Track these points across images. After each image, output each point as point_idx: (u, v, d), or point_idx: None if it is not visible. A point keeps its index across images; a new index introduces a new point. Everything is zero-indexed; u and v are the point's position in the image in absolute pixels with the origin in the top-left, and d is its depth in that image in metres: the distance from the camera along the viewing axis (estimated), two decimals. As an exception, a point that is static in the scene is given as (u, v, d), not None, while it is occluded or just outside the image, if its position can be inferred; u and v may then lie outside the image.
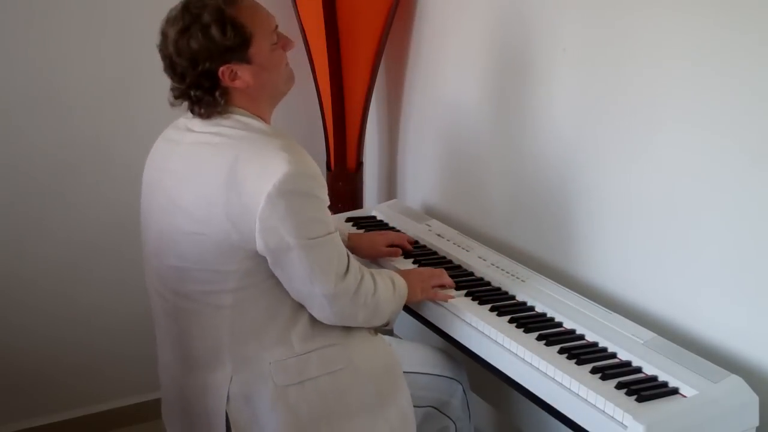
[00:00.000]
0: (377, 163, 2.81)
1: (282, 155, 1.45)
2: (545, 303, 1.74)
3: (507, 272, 1.90)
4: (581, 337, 1.63)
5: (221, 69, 1.51)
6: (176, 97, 1.56)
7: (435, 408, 1.84)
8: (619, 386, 1.42)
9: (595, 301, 1.77)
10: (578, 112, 1.90)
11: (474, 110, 2.27)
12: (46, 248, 2.42)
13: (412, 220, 2.25)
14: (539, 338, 1.60)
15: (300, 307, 1.57)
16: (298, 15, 2.46)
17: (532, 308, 1.75)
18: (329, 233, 1.52)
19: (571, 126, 1.92)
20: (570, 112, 1.92)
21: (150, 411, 2.62)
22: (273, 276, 1.53)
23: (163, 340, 1.69)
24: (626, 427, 1.33)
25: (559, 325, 1.68)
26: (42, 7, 2.26)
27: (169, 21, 1.52)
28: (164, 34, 1.53)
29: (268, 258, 1.49)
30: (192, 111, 1.57)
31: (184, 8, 1.51)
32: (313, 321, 1.59)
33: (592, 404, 1.40)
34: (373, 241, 2.05)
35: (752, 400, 1.43)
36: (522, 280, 1.85)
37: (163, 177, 1.60)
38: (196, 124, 1.57)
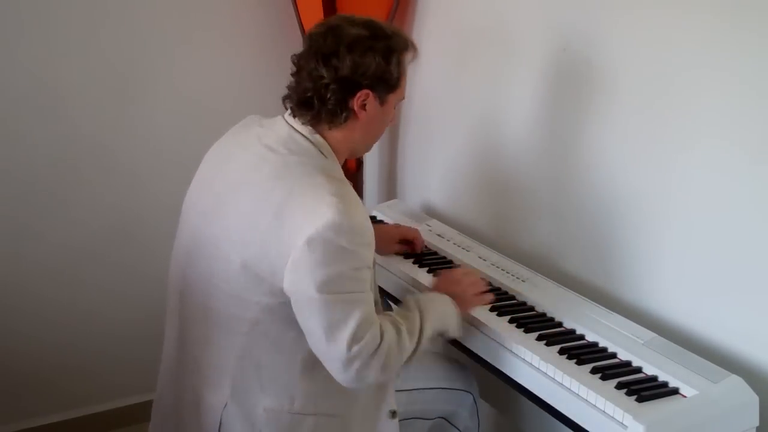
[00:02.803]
0: (377, 163, 2.81)
1: (333, 201, 1.40)
2: (545, 303, 1.74)
3: (507, 272, 1.90)
4: (581, 337, 1.63)
5: (364, 91, 1.51)
6: (300, 93, 1.53)
7: (444, 419, 1.83)
8: (619, 386, 1.43)
9: (595, 301, 1.77)
10: (576, 112, 1.90)
11: (474, 110, 2.27)
12: (46, 249, 2.42)
13: (412, 220, 2.25)
14: (539, 338, 1.60)
15: (315, 365, 1.49)
16: (298, 15, 2.46)
17: (532, 308, 1.75)
18: (357, 292, 1.43)
19: (570, 124, 1.92)
20: (568, 110, 1.92)
21: (150, 411, 2.62)
22: (294, 327, 1.46)
23: (170, 338, 1.65)
24: (626, 427, 1.33)
25: (559, 325, 1.68)
26: (42, 8, 2.26)
27: (352, 22, 1.52)
28: (338, 31, 1.50)
29: (291, 299, 1.44)
30: (302, 113, 1.53)
31: (376, 24, 1.53)
32: (326, 384, 1.50)
33: (592, 404, 1.40)
34: (389, 235, 2.00)
35: (752, 400, 1.43)
36: (522, 280, 1.85)
37: (217, 179, 1.57)
38: (270, 136, 1.54)
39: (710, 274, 1.61)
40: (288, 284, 1.42)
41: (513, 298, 1.80)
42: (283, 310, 1.46)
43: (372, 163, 2.82)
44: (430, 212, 2.48)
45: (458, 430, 1.85)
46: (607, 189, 1.83)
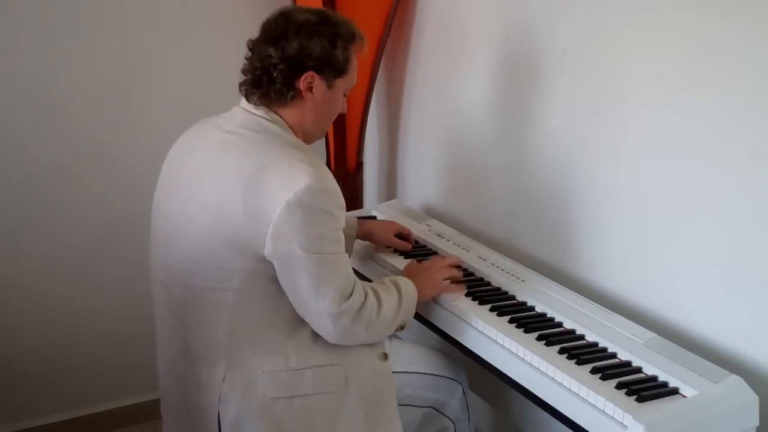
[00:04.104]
0: (377, 163, 2.81)
1: (306, 168, 1.49)
2: (545, 303, 1.74)
3: (507, 272, 1.90)
4: (581, 337, 1.63)
5: (310, 73, 1.59)
6: (251, 73, 1.62)
7: (434, 408, 1.84)
8: (619, 386, 1.42)
9: (595, 301, 1.77)
10: (578, 112, 1.90)
11: (474, 110, 2.27)
12: (46, 249, 2.42)
13: (412, 220, 2.25)
14: (539, 338, 1.60)
15: (301, 320, 1.57)
16: (298, 15, 2.46)
17: (532, 308, 1.75)
18: (338, 253, 1.53)
19: (570, 126, 1.92)
20: (569, 112, 1.92)
21: (150, 411, 2.61)
22: (275, 284, 1.54)
23: (161, 332, 1.70)
24: (626, 427, 1.33)
25: (559, 325, 1.68)
26: (41, 9, 2.26)
27: (303, 10, 1.63)
28: (288, 16, 1.61)
29: (275, 264, 1.50)
30: (253, 92, 1.62)
31: (326, 13, 1.64)
32: (315, 336, 1.59)
33: (592, 404, 1.40)
34: (387, 229, 2.06)
35: (752, 400, 1.43)
36: (522, 280, 1.85)
37: (186, 170, 1.62)
38: (230, 123, 1.62)
39: (710, 274, 1.61)
40: (270, 250, 1.48)
41: (513, 297, 1.80)
42: (264, 273, 1.52)
43: (372, 163, 2.82)
44: (430, 212, 2.48)
45: (449, 419, 1.87)
46: (607, 189, 1.83)
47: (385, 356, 1.69)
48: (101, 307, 2.54)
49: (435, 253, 2.06)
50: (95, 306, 2.53)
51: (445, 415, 1.86)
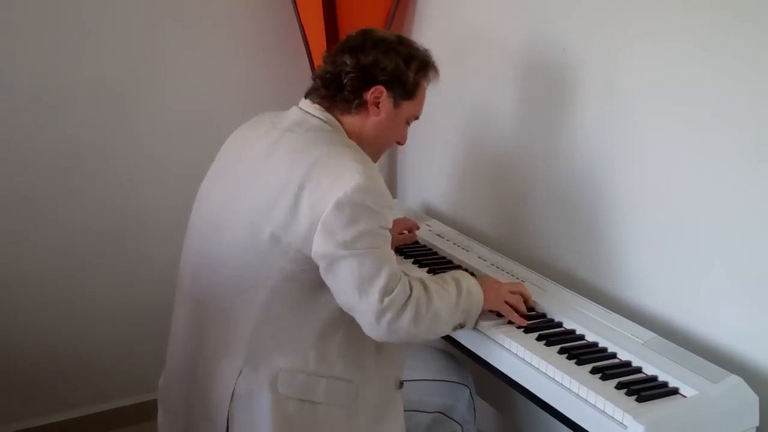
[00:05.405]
0: (377, 163, 2.81)
1: (357, 167, 1.50)
2: (545, 303, 1.74)
3: (507, 272, 1.90)
4: (581, 337, 1.63)
5: (379, 87, 1.63)
6: (321, 78, 1.66)
7: (442, 413, 1.84)
8: (619, 386, 1.43)
9: (594, 300, 1.77)
10: (580, 113, 1.90)
11: (474, 110, 2.27)
12: (45, 250, 2.42)
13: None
14: (539, 338, 1.60)
15: (332, 329, 1.58)
16: (298, 15, 2.46)
17: (531, 308, 1.75)
18: (384, 248, 1.52)
19: (571, 125, 1.92)
20: (570, 112, 1.92)
21: (150, 411, 2.60)
22: (312, 289, 1.54)
23: (180, 321, 1.70)
24: (626, 427, 1.33)
25: (559, 325, 1.68)
26: (43, 10, 2.26)
27: (385, 31, 1.70)
28: (369, 32, 1.66)
29: (320, 264, 1.50)
30: (318, 95, 1.65)
31: (406, 37, 1.71)
32: (340, 348, 1.60)
33: (592, 404, 1.40)
34: (394, 227, 2.06)
35: (752, 400, 1.43)
36: (522, 280, 1.85)
37: (239, 163, 1.64)
38: (285, 121, 1.64)
39: (710, 274, 1.61)
40: (317, 247, 1.48)
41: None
42: (303, 277, 1.53)
43: (372, 163, 2.82)
44: (430, 212, 2.48)
45: (457, 423, 1.86)
46: (607, 189, 1.83)
47: (400, 384, 1.69)
48: (101, 308, 2.53)
49: (435, 253, 2.06)
50: (96, 306, 2.53)
51: (453, 419, 1.86)
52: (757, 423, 1.44)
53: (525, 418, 1.96)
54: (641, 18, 1.70)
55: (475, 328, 1.67)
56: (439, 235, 2.16)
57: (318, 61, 2.47)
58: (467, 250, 2.04)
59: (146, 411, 2.58)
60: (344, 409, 1.60)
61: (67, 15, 2.30)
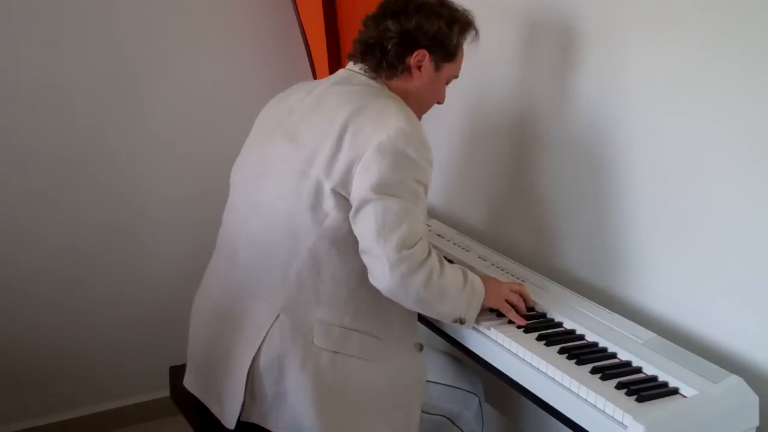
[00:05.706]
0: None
1: (400, 115, 1.54)
2: (545, 303, 1.74)
3: (507, 272, 1.90)
4: (581, 337, 1.63)
5: (422, 50, 1.66)
6: (363, 42, 1.68)
7: (447, 418, 1.84)
8: (619, 386, 1.42)
9: (593, 298, 1.77)
10: (581, 110, 1.90)
11: (474, 110, 2.27)
12: (46, 249, 2.42)
13: (412, 220, 2.24)
14: (539, 338, 1.60)
15: (366, 288, 1.57)
16: (298, 15, 2.46)
17: (531, 308, 1.75)
18: (413, 203, 1.53)
19: (571, 125, 1.92)
20: (571, 111, 1.92)
21: (150, 411, 2.63)
22: (355, 243, 1.55)
23: (218, 268, 1.73)
24: (626, 427, 1.33)
25: (559, 325, 1.68)
26: (44, 5, 2.26)
27: None
28: None
29: (353, 206, 1.52)
30: (362, 60, 1.68)
31: (450, 1, 1.71)
32: (369, 306, 1.61)
33: (592, 404, 1.40)
34: None
35: (752, 400, 1.43)
36: (522, 280, 1.85)
37: (283, 118, 1.68)
38: (329, 80, 1.69)
39: (710, 274, 1.61)
40: (355, 188, 1.52)
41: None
42: (347, 225, 1.55)
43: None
44: (430, 212, 2.47)
45: (461, 431, 1.85)
46: (605, 187, 1.83)
47: (421, 347, 1.71)
48: (102, 308, 2.54)
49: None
50: (96, 307, 2.53)
51: (458, 427, 1.85)
52: (757, 423, 1.44)
53: (528, 421, 1.96)
54: (642, 17, 1.70)
55: (475, 327, 1.67)
56: (439, 235, 2.16)
57: (318, 61, 2.47)
58: (467, 250, 2.04)
59: (146, 411, 2.58)
60: (376, 364, 1.63)
61: (70, 14, 2.31)
